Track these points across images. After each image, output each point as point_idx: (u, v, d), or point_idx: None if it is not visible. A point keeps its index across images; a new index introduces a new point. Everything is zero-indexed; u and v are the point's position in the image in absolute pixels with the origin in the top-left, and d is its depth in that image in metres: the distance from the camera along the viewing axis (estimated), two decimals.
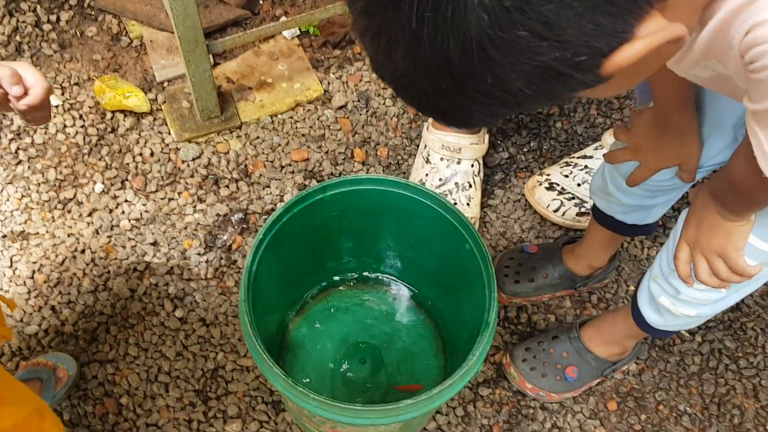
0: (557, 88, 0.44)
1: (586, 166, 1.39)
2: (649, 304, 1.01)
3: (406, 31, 0.41)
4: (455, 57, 0.41)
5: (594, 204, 1.15)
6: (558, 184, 1.39)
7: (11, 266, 1.34)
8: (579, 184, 1.38)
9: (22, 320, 1.29)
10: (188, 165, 1.46)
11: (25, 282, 1.32)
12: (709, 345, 1.30)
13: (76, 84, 1.53)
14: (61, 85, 1.53)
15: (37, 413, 0.90)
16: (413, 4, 0.40)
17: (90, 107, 1.51)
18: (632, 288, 1.36)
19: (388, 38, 0.43)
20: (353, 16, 0.45)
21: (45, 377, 1.18)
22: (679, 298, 0.94)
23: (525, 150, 1.52)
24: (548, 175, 1.41)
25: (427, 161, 1.38)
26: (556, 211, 1.39)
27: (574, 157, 1.43)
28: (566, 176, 1.40)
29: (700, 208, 0.82)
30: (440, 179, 1.36)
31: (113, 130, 1.49)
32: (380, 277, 1.28)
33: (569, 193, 1.38)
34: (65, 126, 1.48)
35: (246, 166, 1.47)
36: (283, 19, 1.64)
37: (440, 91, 0.44)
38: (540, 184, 1.41)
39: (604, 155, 1.02)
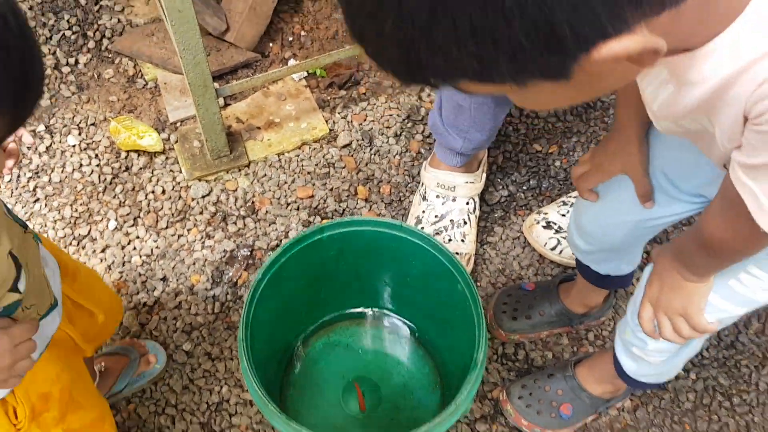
0: (533, 57, 0.43)
1: None
2: (626, 353, 1.05)
3: None
4: None
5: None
6: (555, 223, 1.43)
7: None
8: None
9: None
10: (198, 202, 1.51)
11: None
12: (703, 382, 1.32)
13: (93, 124, 1.61)
14: (78, 125, 1.60)
15: (100, 418, 0.99)
16: None
17: (105, 147, 1.58)
18: None
19: None
20: None
21: (132, 357, 1.26)
22: (648, 350, 0.99)
23: (524, 188, 1.56)
24: (546, 213, 1.45)
25: (424, 198, 1.43)
26: (553, 249, 1.42)
27: (571, 196, 1.47)
28: (563, 215, 1.43)
29: (662, 269, 0.85)
30: (436, 216, 1.41)
31: (127, 169, 1.55)
32: (379, 314, 1.32)
33: (566, 231, 1.41)
34: (81, 165, 1.55)
35: (253, 203, 1.52)
36: (291, 62, 1.71)
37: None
38: (537, 223, 1.44)
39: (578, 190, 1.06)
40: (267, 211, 1.51)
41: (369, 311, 1.31)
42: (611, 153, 0.95)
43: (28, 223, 1.47)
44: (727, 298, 0.83)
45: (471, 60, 0.44)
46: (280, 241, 1.48)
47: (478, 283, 1.44)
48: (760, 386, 1.32)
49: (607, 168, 0.97)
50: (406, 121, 1.65)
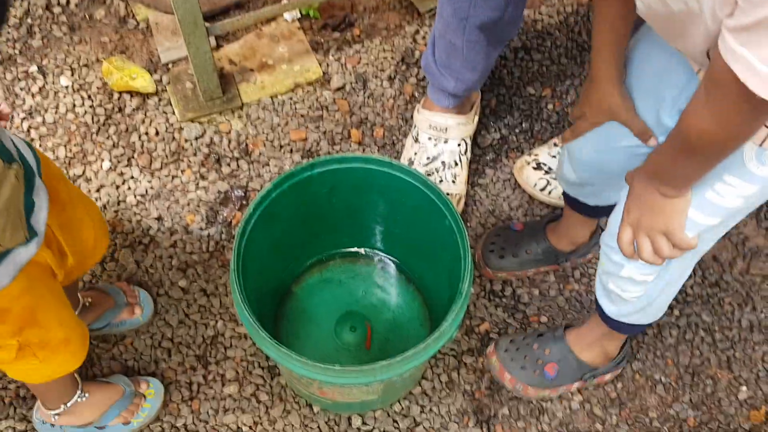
0: None
1: None
2: (604, 293, 1.07)
3: None
4: None
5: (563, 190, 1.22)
6: (545, 164, 1.44)
7: None
8: None
9: None
10: (191, 144, 1.52)
11: None
12: (686, 318, 1.35)
13: (85, 65, 1.60)
14: (70, 66, 1.60)
15: (64, 340, 0.99)
16: None
17: (98, 88, 1.58)
18: None
19: None
20: None
21: (119, 302, 1.28)
22: (620, 276, 1.00)
23: (517, 131, 1.57)
24: (536, 155, 1.46)
25: (416, 140, 1.44)
26: (542, 190, 1.44)
27: None
28: (553, 156, 1.45)
29: (640, 190, 0.86)
30: (428, 158, 1.42)
31: (120, 110, 1.56)
32: (370, 251, 1.34)
33: (556, 172, 1.43)
34: (74, 106, 1.55)
35: (247, 145, 1.53)
36: (284, 1, 1.70)
37: None
38: (528, 164, 1.46)
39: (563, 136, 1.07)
40: (260, 153, 1.52)
41: (361, 250, 1.34)
42: (595, 106, 0.96)
43: None
44: (705, 210, 0.85)
45: None
46: None
47: (468, 224, 1.46)
48: (742, 323, 1.36)
49: (594, 120, 0.99)
50: (401, 64, 1.64)
